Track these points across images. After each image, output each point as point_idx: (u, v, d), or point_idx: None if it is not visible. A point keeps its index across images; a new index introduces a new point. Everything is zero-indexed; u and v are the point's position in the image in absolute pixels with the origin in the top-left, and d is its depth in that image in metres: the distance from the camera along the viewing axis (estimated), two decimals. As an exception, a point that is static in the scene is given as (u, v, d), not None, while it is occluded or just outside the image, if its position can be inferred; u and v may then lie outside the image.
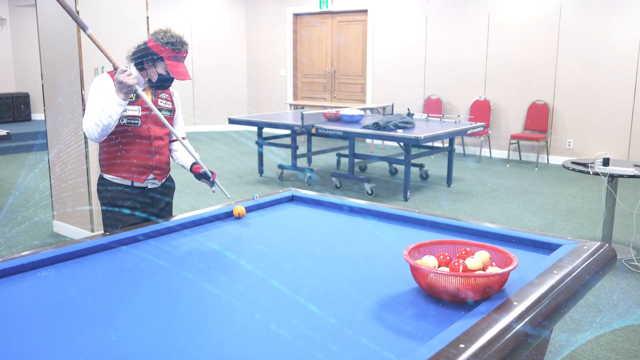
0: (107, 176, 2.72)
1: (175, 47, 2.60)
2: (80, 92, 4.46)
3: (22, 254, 2.04)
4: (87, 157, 4.52)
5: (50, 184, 5.04)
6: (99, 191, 2.77)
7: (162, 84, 2.70)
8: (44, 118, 5.05)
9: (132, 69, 2.63)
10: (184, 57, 2.67)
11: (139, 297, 1.83)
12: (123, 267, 2.09)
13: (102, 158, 2.73)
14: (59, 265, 2.04)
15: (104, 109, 2.50)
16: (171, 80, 2.69)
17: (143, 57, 2.64)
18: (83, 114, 4.46)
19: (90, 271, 2.03)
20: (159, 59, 2.62)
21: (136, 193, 2.73)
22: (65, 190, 4.85)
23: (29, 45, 10.67)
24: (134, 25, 4.68)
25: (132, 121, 2.64)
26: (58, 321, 1.64)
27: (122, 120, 2.61)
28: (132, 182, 2.71)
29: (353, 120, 6.79)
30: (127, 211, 2.72)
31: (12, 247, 4.64)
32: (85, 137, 4.48)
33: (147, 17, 4.76)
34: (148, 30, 4.79)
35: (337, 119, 6.90)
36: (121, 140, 2.65)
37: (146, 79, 2.70)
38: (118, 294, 1.84)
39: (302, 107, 9.71)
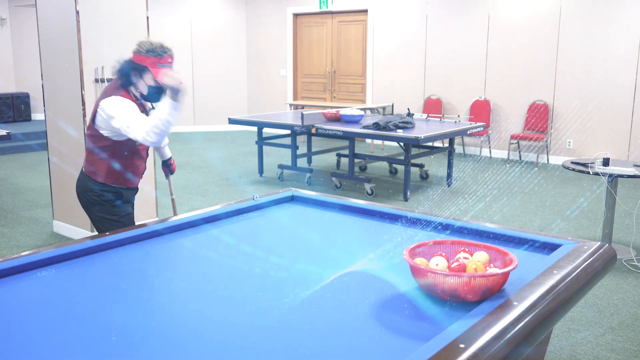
0: (112, 185, 2.83)
1: (157, 53, 2.65)
2: (80, 92, 4.46)
3: (22, 254, 2.04)
4: (87, 157, 4.52)
5: (50, 184, 5.04)
6: (97, 196, 2.83)
7: (154, 96, 2.74)
8: (44, 118, 5.04)
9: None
10: (170, 63, 2.70)
11: (139, 296, 1.83)
12: (123, 266, 2.09)
13: (108, 169, 2.80)
14: (59, 265, 2.04)
15: (161, 113, 2.52)
16: (162, 89, 2.71)
17: (130, 72, 2.69)
18: (83, 115, 4.47)
19: (90, 271, 2.03)
20: (144, 69, 2.66)
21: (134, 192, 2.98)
22: (65, 190, 4.85)
23: (29, 45, 10.67)
24: (134, 25, 4.68)
25: None
26: (58, 321, 1.63)
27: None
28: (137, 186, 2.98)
29: (353, 120, 6.79)
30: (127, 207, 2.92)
31: (12, 247, 4.64)
32: (86, 137, 4.49)
33: (147, 17, 4.76)
34: (148, 30, 4.78)
35: (337, 119, 6.90)
36: (127, 155, 2.82)
37: (138, 94, 2.74)
38: (118, 294, 1.84)
39: (302, 107, 9.70)
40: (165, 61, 2.66)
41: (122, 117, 2.58)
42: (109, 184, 2.80)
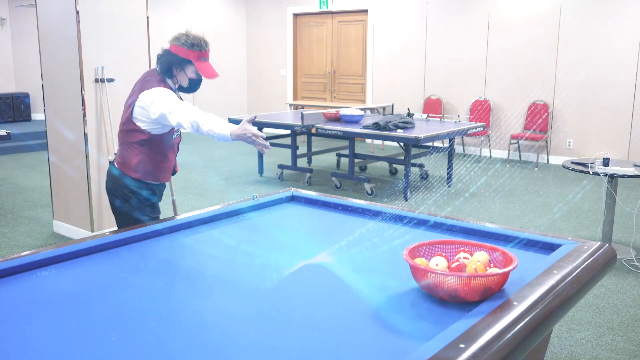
0: (146, 181, 2.79)
1: (201, 47, 2.69)
2: (80, 92, 4.46)
3: (22, 254, 2.04)
4: (87, 157, 4.52)
5: (50, 184, 5.04)
6: (127, 189, 2.79)
7: (192, 88, 2.80)
8: (44, 118, 5.04)
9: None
10: (209, 56, 2.76)
11: (139, 296, 1.83)
12: (123, 266, 2.09)
13: (145, 164, 2.77)
14: (59, 265, 2.04)
15: (215, 124, 2.51)
16: (200, 82, 2.80)
17: (172, 65, 2.70)
18: (83, 115, 4.46)
19: (90, 271, 2.03)
20: (187, 63, 2.70)
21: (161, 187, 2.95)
22: (65, 190, 4.85)
23: (29, 45, 10.67)
24: (134, 25, 4.68)
25: (177, 134, 2.87)
26: (58, 321, 1.63)
27: (175, 134, 2.81)
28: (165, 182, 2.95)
29: (353, 120, 6.79)
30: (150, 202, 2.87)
31: (12, 247, 4.64)
32: (86, 137, 4.49)
33: (147, 17, 4.76)
34: (148, 30, 4.78)
35: (337, 119, 6.90)
36: (163, 149, 2.80)
37: (176, 86, 2.77)
38: (118, 294, 1.84)
39: (302, 107, 9.70)
40: (206, 55, 2.74)
41: (165, 102, 2.58)
42: (145, 180, 2.77)
